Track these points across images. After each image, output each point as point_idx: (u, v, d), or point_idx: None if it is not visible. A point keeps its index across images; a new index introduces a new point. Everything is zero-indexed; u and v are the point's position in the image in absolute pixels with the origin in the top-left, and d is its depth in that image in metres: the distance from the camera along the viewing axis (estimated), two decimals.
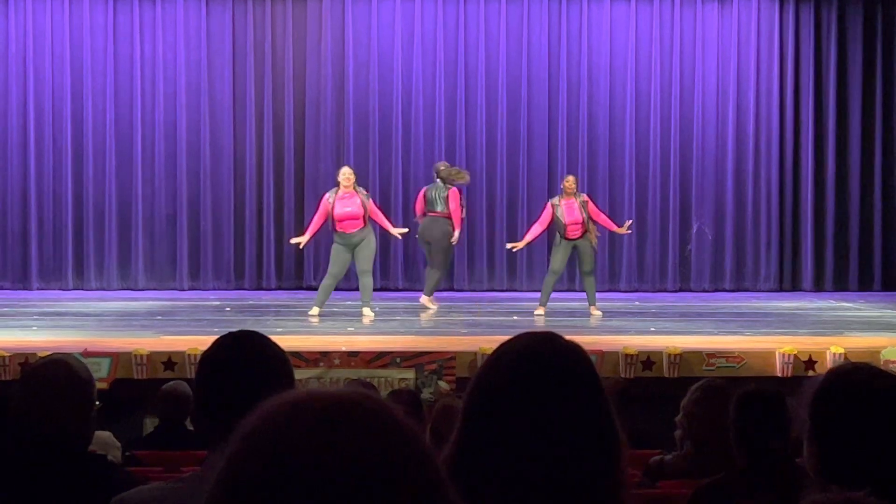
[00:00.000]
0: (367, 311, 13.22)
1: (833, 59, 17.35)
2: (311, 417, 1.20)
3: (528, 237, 14.16)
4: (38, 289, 16.35)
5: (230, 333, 2.83)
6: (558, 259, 13.72)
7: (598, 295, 13.98)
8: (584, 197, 13.92)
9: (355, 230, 13.02)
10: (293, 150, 16.92)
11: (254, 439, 1.20)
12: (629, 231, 14.45)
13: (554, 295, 13.97)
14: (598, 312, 13.64)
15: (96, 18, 16.62)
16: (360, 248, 13.08)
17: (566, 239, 13.60)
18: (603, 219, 13.97)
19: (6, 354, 9.86)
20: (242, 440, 1.21)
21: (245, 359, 2.72)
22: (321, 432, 1.19)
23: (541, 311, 13.68)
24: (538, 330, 2.17)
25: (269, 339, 2.80)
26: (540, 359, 2.03)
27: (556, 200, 13.79)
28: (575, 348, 2.07)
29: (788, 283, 17.34)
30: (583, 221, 13.56)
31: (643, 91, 17.20)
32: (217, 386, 2.70)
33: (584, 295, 14.01)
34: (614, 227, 14.02)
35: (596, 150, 17.16)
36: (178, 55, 16.73)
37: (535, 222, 14.22)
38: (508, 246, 14.88)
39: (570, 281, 16.09)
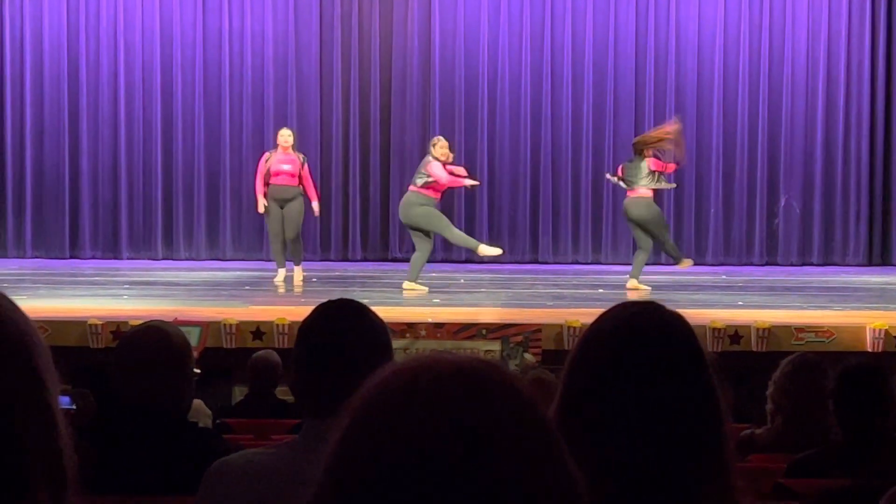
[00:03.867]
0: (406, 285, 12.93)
1: None
2: (433, 385, 1.17)
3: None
4: (128, 258, 16.58)
5: (330, 301, 2.82)
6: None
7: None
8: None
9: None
10: (379, 123, 16.95)
11: (374, 407, 1.18)
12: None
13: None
14: (645, 288, 13.10)
15: None
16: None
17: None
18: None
19: (98, 323, 9.98)
20: (363, 409, 1.19)
21: (346, 327, 2.71)
22: (444, 399, 1.17)
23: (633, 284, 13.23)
24: (639, 300, 2.13)
25: (368, 308, 2.80)
26: (643, 330, 1.97)
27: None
28: (678, 319, 2.02)
29: (878, 257, 17.07)
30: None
31: (731, 63, 16.99)
32: (319, 354, 2.69)
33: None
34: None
35: (683, 123, 16.96)
36: (265, 28, 16.82)
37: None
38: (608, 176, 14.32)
39: (655, 255, 15.93)
